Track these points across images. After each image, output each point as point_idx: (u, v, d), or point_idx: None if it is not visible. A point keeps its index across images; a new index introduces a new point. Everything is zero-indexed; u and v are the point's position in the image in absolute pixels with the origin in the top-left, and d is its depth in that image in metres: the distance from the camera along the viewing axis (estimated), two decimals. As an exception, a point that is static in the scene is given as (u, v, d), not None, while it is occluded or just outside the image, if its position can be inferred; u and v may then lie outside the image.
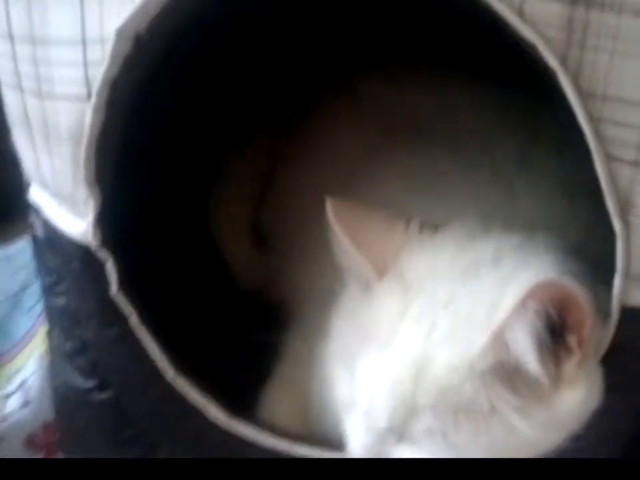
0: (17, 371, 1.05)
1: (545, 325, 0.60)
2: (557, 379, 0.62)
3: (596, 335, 0.63)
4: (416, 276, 0.67)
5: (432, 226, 0.70)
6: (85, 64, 0.69)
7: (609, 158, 0.60)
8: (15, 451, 0.97)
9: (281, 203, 1.03)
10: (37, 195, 0.81)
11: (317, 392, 0.78)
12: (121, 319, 0.78)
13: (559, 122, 0.68)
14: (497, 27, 0.60)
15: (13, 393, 1.02)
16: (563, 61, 0.58)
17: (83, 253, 0.76)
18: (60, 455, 0.97)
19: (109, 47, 0.67)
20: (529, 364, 0.61)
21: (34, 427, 0.99)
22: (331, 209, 0.67)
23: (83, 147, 0.71)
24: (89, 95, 0.69)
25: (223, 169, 1.07)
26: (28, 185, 0.82)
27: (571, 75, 0.59)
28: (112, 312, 0.78)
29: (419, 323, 0.64)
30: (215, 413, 0.80)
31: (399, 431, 0.64)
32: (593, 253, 0.68)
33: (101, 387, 0.83)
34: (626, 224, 0.61)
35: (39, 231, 0.83)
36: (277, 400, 0.85)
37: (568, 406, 0.63)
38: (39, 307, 1.05)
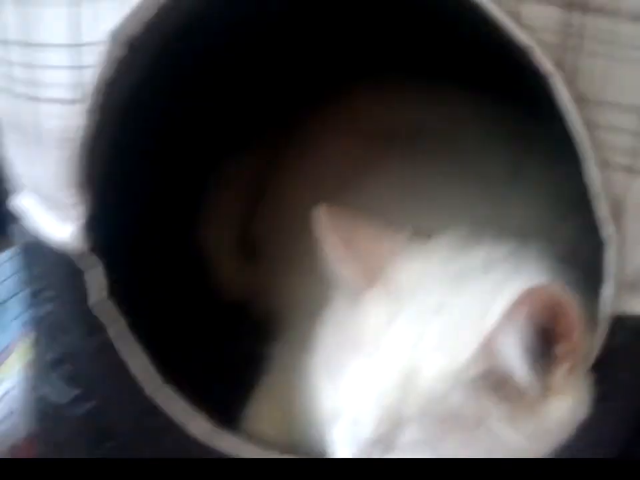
0: (0, 382, 1.03)
1: (534, 331, 0.60)
2: (545, 388, 0.62)
3: (586, 343, 0.63)
4: (405, 284, 0.67)
5: (422, 235, 0.70)
6: (79, 67, 0.69)
7: (602, 163, 0.60)
8: (-2, 461, 0.96)
9: (272, 214, 1.03)
10: (24, 200, 0.81)
11: (303, 403, 0.77)
12: (101, 330, 0.77)
13: (550, 132, 0.69)
14: (490, 34, 0.61)
15: (-5, 403, 1.00)
16: (559, 65, 0.59)
17: (65, 261, 0.76)
18: (41, 467, 0.95)
19: (103, 50, 0.67)
20: (518, 372, 0.60)
21: (17, 438, 0.97)
22: (322, 215, 0.67)
23: (74, 150, 0.71)
24: (81, 98, 0.69)
25: (213, 179, 1.06)
26: (9, 193, 0.82)
27: (567, 80, 0.59)
28: (92, 322, 0.77)
29: (407, 332, 0.64)
30: (199, 425, 0.79)
31: (385, 442, 0.63)
32: (582, 263, 0.67)
33: (84, 397, 0.82)
34: (619, 230, 0.61)
35: (23, 239, 0.83)
36: (262, 412, 0.85)
37: (557, 415, 0.63)
38: (24, 317, 1.04)
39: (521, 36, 0.59)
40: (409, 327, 0.64)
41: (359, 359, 0.65)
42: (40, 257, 0.80)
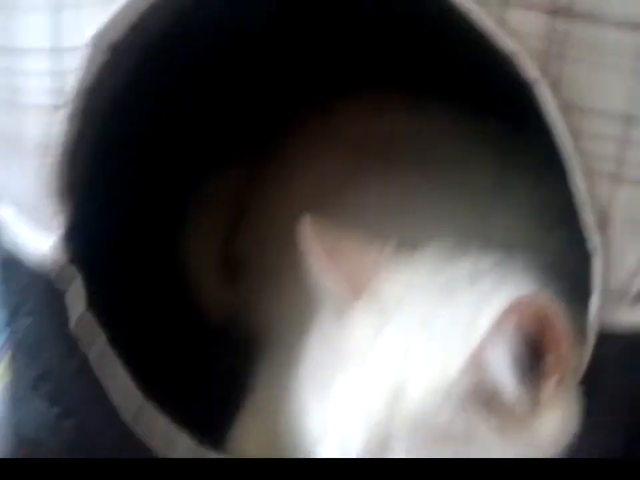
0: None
1: (523, 342, 0.59)
2: (535, 401, 0.61)
3: (574, 356, 0.62)
4: (391, 297, 0.66)
5: (408, 247, 0.70)
6: (60, 72, 0.68)
7: (587, 171, 0.60)
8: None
9: (255, 230, 1.02)
10: (1, 212, 0.79)
11: (289, 422, 0.75)
12: (81, 351, 0.76)
13: (535, 142, 0.69)
14: (475, 44, 0.61)
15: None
16: (543, 72, 0.58)
17: (42, 281, 0.75)
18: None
19: (84, 55, 0.67)
20: (507, 384, 0.60)
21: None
22: (306, 226, 0.66)
23: (55, 158, 0.70)
24: (62, 104, 0.69)
25: (194, 196, 1.06)
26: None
27: (551, 87, 0.59)
28: (71, 343, 0.76)
29: (394, 345, 0.63)
30: (183, 444, 0.78)
31: (374, 462, 0.62)
32: (570, 274, 0.67)
33: (64, 416, 0.81)
34: (605, 240, 0.61)
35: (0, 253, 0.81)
36: (248, 431, 0.84)
37: (547, 430, 0.62)
38: (2, 337, 1.03)
39: (506, 42, 0.58)
40: (396, 341, 0.63)
41: (346, 375, 0.64)
42: (19, 274, 0.78)
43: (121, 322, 0.78)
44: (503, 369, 0.59)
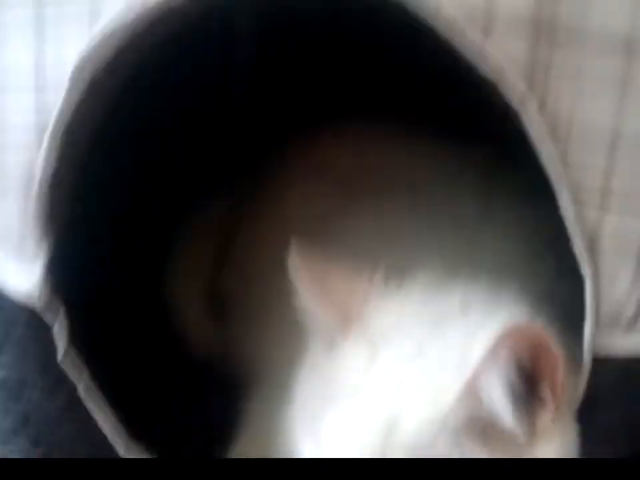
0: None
1: (517, 371, 0.58)
2: (531, 431, 0.60)
3: (569, 384, 0.62)
4: (382, 329, 0.65)
5: (397, 276, 0.69)
6: (43, 109, 0.69)
7: (574, 201, 0.60)
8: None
9: (242, 264, 1.01)
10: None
11: (281, 456, 0.74)
12: (68, 386, 0.75)
13: (525, 170, 0.69)
14: (460, 72, 0.61)
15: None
16: (524, 102, 0.58)
17: (27, 315, 0.74)
18: None
19: (66, 90, 0.67)
20: (502, 415, 0.59)
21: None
22: (294, 255, 0.66)
23: (36, 188, 0.70)
24: (43, 134, 0.68)
25: (180, 231, 1.05)
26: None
27: (533, 117, 0.59)
28: (58, 378, 0.75)
29: (386, 378, 0.62)
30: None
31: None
32: (562, 302, 0.67)
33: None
34: (594, 266, 0.61)
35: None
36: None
37: (544, 460, 0.61)
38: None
39: (486, 70, 0.59)
40: (388, 372, 0.63)
41: (337, 407, 0.63)
42: (2, 307, 0.77)
43: (104, 359, 0.77)
44: (497, 398, 0.58)
